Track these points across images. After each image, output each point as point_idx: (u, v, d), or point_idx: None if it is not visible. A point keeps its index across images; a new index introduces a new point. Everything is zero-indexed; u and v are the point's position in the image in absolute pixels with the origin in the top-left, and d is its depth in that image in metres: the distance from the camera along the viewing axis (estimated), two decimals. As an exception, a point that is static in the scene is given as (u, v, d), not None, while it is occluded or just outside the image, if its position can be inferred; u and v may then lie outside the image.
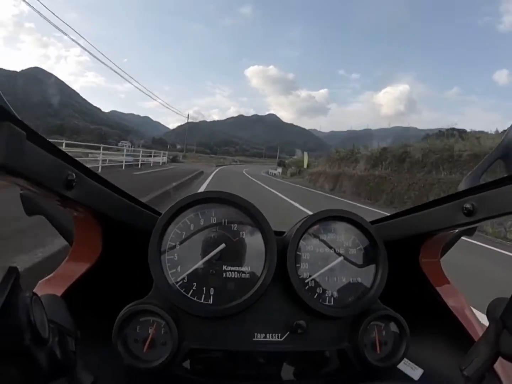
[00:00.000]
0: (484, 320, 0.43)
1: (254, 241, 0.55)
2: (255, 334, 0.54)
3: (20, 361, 0.26)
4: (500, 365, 0.50)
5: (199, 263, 0.53)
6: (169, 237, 0.54)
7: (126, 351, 0.48)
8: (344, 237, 0.59)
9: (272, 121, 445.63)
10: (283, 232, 0.64)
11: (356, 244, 0.59)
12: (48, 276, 0.55)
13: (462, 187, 0.57)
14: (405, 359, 0.55)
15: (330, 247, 0.58)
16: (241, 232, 0.55)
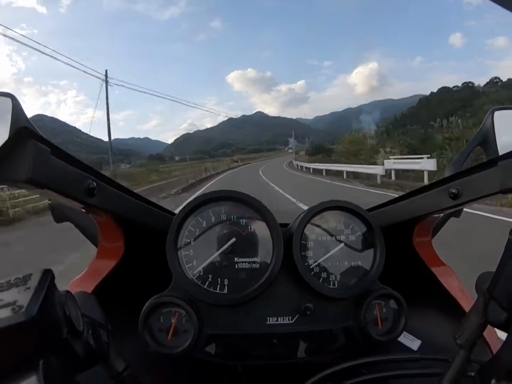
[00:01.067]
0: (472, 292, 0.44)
1: (261, 234, 0.57)
2: (268, 318, 0.56)
3: (60, 352, 0.28)
4: (488, 333, 0.51)
5: (213, 257, 0.55)
6: (184, 235, 0.55)
7: (152, 339, 0.50)
8: (344, 225, 0.60)
9: (260, 117, 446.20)
10: (287, 224, 0.65)
11: (355, 231, 0.60)
12: (79, 276, 0.58)
13: (447, 173, 0.57)
14: (404, 332, 0.56)
15: (332, 235, 0.59)
16: (249, 226, 0.57)
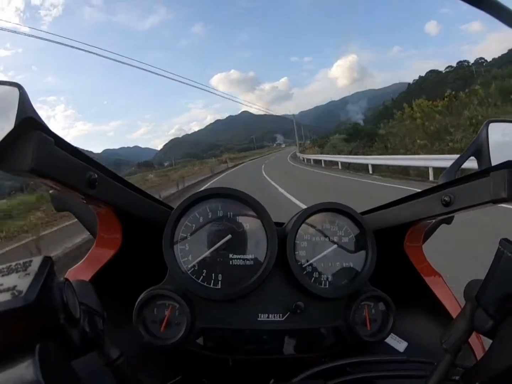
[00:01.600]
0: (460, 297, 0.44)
1: (256, 232, 0.57)
2: (259, 314, 0.56)
3: (56, 337, 0.28)
4: (474, 339, 0.53)
5: (208, 252, 0.55)
6: (181, 229, 0.55)
7: (145, 330, 0.50)
8: (337, 226, 0.60)
9: (246, 117, 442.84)
10: (282, 223, 0.65)
11: (348, 233, 0.60)
12: (77, 265, 0.58)
13: (440, 181, 0.58)
14: (392, 334, 0.57)
15: (325, 236, 0.59)
16: (245, 224, 0.57)
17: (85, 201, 0.47)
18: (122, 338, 0.45)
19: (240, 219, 0.57)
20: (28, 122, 0.33)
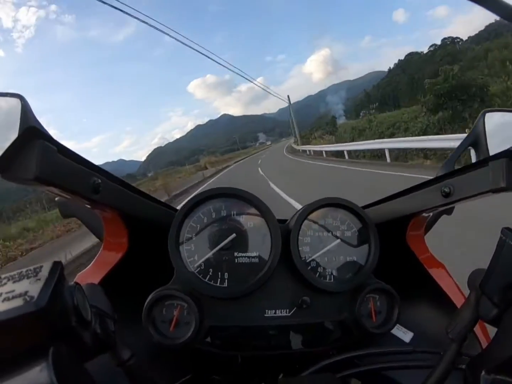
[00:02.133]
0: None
1: (260, 230, 0.57)
2: (266, 310, 0.56)
3: (69, 340, 0.28)
4: (479, 327, 0.53)
5: (213, 251, 0.55)
6: (186, 230, 0.55)
7: (155, 331, 0.50)
8: (340, 221, 0.60)
9: (226, 119, 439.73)
10: (285, 220, 0.65)
11: (350, 227, 0.60)
12: (86, 269, 0.58)
13: (439, 172, 0.57)
14: (397, 325, 0.57)
15: (328, 231, 0.59)
16: (248, 222, 0.57)
17: (90, 206, 0.47)
18: (133, 339, 0.47)
19: (244, 217, 0.57)
20: (31, 131, 0.33)
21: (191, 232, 0.55)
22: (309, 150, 22.52)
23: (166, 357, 0.56)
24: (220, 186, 0.57)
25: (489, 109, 0.58)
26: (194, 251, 0.55)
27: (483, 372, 0.32)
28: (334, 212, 0.60)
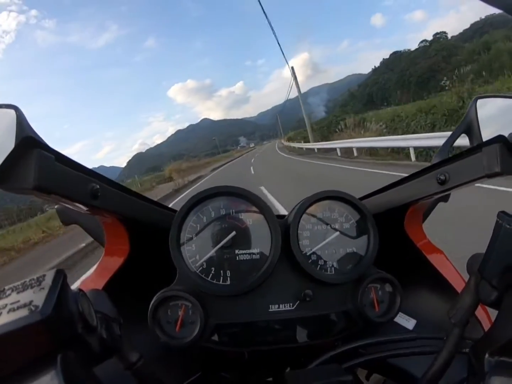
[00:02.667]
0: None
1: (260, 226, 0.56)
2: (270, 305, 0.56)
3: (76, 347, 0.28)
4: (480, 311, 0.53)
5: (215, 250, 0.55)
6: (186, 230, 0.55)
7: (161, 332, 0.50)
8: (338, 213, 0.60)
9: (207, 124, 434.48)
10: (284, 215, 0.65)
11: (349, 219, 0.60)
12: (89, 275, 0.58)
13: (434, 160, 0.57)
14: (400, 313, 0.57)
15: (327, 224, 0.59)
16: (247, 220, 0.57)
17: (90, 212, 0.47)
18: (139, 341, 0.46)
19: (243, 215, 0.57)
20: (28, 141, 0.33)
21: (191, 232, 0.55)
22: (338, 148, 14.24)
23: (173, 358, 0.57)
24: (217, 185, 0.57)
25: (480, 95, 0.57)
26: (196, 251, 0.55)
27: (486, 355, 0.32)
28: (332, 204, 0.60)
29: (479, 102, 0.57)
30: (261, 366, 0.64)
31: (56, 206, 0.60)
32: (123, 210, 0.50)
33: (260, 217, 0.57)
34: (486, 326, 0.53)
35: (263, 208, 0.56)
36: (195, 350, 0.57)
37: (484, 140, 0.54)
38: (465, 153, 0.45)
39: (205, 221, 0.56)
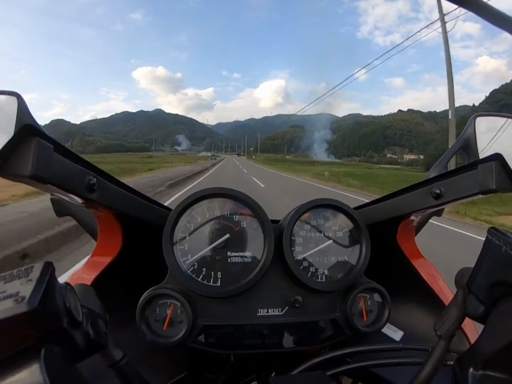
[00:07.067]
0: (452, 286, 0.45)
1: (253, 230, 0.57)
2: (259, 309, 0.56)
3: (60, 341, 0.28)
4: (466, 324, 0.54)
5: (207, 251, 0.55)
6: (180, 230, 0.55)
7: (148, 329, 0.50)
8: (332, 222, 0.61)
9: (157, 114, 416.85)
10: (278, 220, 0.65)
11: (342, 228, 0.60)
12: (79, 269, 0.58)
13: (431, 174, 0.59)
14: (388, 323, 0.57)
15: (320, 231, 0.60)
16: (242, 222, 0.57)
17: (85, 206, 0.47)
18: (125, 339, 0.46)
19: (237, 217, 0.57)
20: (27, 129, 0.33)
21: (185, 231, 0.55)
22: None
23: (159, 357, 0.57)
24: (213, 187, 0.57)
25: (479, 113, 0.59)
26: (188, 251, 0.55)
27: (471, 368, 0.32)
28: (326, 213, 0.61)
29: (478, 120, 0.58)
30: (247, 369, 0.64)
31: (51, 197, 0.60)
32: (119, 205, 0.50)
33: (254, 220, 0.57)
34: (472, 340, 0.54)
35: (258, 211, 0.56)
36: (181, 350, 0.57)
37: (480, 157, 0.55)
38: (461, 169, 0.46)
39: (199, 222, 0.56)
